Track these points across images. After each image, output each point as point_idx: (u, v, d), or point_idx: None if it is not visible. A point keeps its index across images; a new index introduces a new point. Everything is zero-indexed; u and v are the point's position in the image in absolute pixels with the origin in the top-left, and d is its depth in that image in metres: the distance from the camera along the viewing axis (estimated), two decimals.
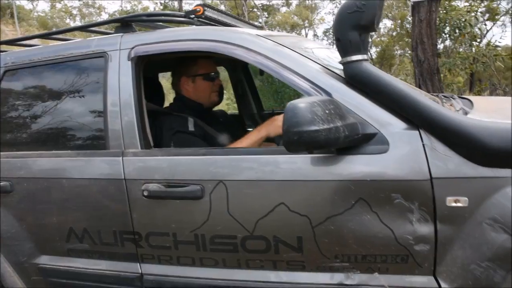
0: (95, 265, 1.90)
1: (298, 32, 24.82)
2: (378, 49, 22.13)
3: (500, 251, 1.35)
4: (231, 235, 1.63)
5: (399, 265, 1.48)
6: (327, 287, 1.56)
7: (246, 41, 1.71)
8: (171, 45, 1.81)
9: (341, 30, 1.52)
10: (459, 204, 1.38)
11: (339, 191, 1.48)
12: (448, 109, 1.74)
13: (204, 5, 2.09)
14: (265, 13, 23.10)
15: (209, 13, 2.12)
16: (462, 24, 9.24)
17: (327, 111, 1.37)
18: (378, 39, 22.91)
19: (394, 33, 19.98)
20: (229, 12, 2.58)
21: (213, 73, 2.19)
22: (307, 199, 1.53)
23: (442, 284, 1.44)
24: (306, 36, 25.09)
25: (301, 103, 1.35)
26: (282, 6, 25.27)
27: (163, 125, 1.99)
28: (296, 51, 1.70)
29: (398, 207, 1.42)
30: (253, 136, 1.87)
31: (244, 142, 1.86)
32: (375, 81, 1.49)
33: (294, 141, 1.34)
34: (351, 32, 1.50)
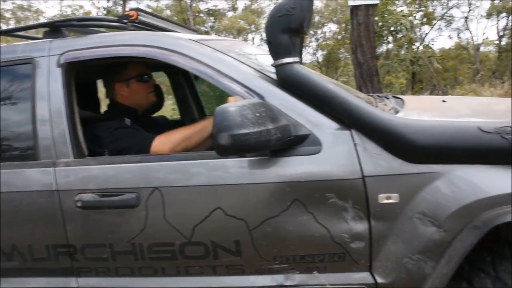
0: (26, 283, 1.82)
1: (244, 36, 25.01)
2: (324, 53, 22.74)
3: (429, 243, 1.43)
4: (169, 242, 1.62)
5: (337, 263, 1.52)
6: None
7: (182, 46, 1.71)
8: (103, 51, 1.78)
9: (272, 34, 1.56)
10: (391, 201, 1.44)
11: (274, 193, 1.50)
12: (381, 108, 1.83)
13: (137, 10, 2.06)
14: (211, 18, 23.09)
15: (143, 17, 2.08)
16: (399, 27, 9.71)
17: (257, 114, 1.40)
18: (324, 42, 23.55)
19: (339, 37, 20.60)
20: (165, 17, 2.55)
21: (146, 75, 2.16)
22: (243, 202, 1.54)
23: (378, 279, 1.50)
24: (253, 40, 25.33)
25: (230, 107, 1.37)
26: (229, 10, 25.37)
27: (99, 131, 1.94)
28: (230, 55, 1.71)
29: (333, 207, 1.47)
30: (201, 124, 1.88)
31: (191, 128, 1.88)
32: (306, 82, 1.53)
33: (224, 145, 1.35)
34: (281, 35, 1.54)
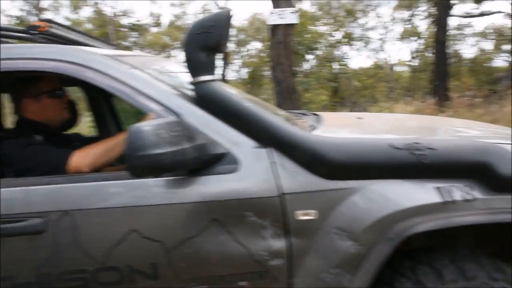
0: None
1: (168, 52, 24.73)
2: (249, 70, 23.17)
3: (346, 257, 1.47)
4: (80, 269, 1.52)
5: (257, 281, 1.51)
6: None
7: (96, 62, 1.62)
8: (7, 64, 1.64)
9: (190, 51, 1.56)
10: (309, 217, 1.47)
11: (192, 213, 1.48)
12: (299, 125, 1.87)
13: (49, 21, 1.95)
14: (135, 33, 22.61)
15: (55, 30, 1.98)
16: (316, 46, 10.19)
17: (173, 133, 1.37)
18: (249, 60, 24.00)
19: (263, 54, 21.11)
20: (81, 30, 2.45)
21: (58, 90, 2.03)
22: (160, 224, 1.50)
23: None
24: (177, 56, 25.12)
25: (145, 126, 1.33)
26: (153, 26, 25.00)
27: (5, 149, 1.78)
28: (147, 72, 1.67)
29: (252, 225, 1.47)
30: (122, 135, 1.77)
31: (112, 140, 1.79)
32: (224, 101, 1.54)
33: (138, 165, 1.32)
34: (199, 52, 1.54)
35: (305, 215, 1.47)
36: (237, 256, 1.48)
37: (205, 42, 1.53)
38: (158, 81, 1.64)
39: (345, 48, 19.97)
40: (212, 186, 1.48)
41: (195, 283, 1.53)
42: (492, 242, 1.79)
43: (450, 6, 13.61)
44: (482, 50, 21.91)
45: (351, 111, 11.52)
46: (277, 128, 1.51)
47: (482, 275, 1.49)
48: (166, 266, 1.49)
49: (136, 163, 1.32)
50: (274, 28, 7.12)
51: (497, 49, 21.46)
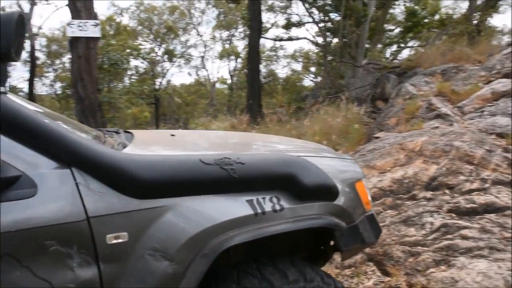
0: None
1: None
2: (63, 84, 21.43)
3: (163, 278, 1.41)
4: None
5: None
6: None
7: None
8: None
9: None
10: (119, 240, 1.38)
11: None
12: (108, 143, 1.77)
13: None
14: None
15: None
16: (119, 60, 10.02)
17: None
18: (64, 74, 22.22)
19: None
20: None
21: None
22: None
23: None
24: None
25: None
26: None
27: None
28: None
29: (55, 255, 1.31)
30: None
31: None
32: (16, 116, 1.36)
33: None
34: None
35: (116, 238, 1.37)
36: None
37: None
38: None
39: (166, 65, 20.12)
40: (3, 215, 1.26)
41: None
42: (304, 247, 1.98)
43: (261, 29, 14.93)
44: (294, 71, 24.65)
45: (173, 127, 11.60)
46: (79, 146, 1.40)
47: (302, 279, 1.60)
48: None
49: None
50: (74, 41, 6.66)
51: (306, 70, 24.42)
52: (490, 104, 6.25)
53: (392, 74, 10.76)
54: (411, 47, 17.92)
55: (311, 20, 16.76)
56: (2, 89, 1.39)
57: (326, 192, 1.77)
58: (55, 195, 1.35)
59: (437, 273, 3.12)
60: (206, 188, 1.53)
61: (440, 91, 7.32)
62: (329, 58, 15.61)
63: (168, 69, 20.98)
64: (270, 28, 19.22)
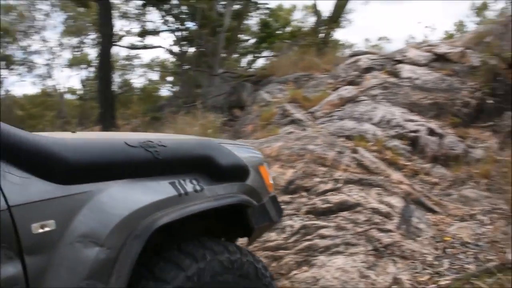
0: None
1: None
2: None
3: (95, 265, 1.34)
4: None
5: None
6: None
7: None
8: None
9: None
10: (46, 229, 1.26)
11: None
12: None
13: None
14: None
15: None
16: None
17: None
18: None
19: None
20: None
21: None
22: None
23: None
24: None
25: None
26: None
27: None
28: None
29: None
30: None
31: None
32: None
33: None
34: None
35: (42, 227, 1.25)
36: None
37: None
38: None
39: (3, 72, 18.04)
40: None
41: None
42: (218, 226, 2.06)
43: (113, 35, 14.27)
44: (150, 80, 24.04)
45: None
46: None
47: (210, 253, 1.64)
48: None
49: None
50: None
51: (163, 79, 24.02)
52: (338, 109, 6.81)
53: (247, 82, 11.16)
54: (265, 57, 18.84)
55: (167, 28, 16.58)
56: None
57: (239, 172, 1.93)
58: None
59: (299, 274, 3.21)
60: (132, 171, 1.54)
61: (293, 98, 7.77)
62: (186, 67, 15.58)
63: (4, 77, 18.84)
64: (124, 35, 18.44)
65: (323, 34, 14.48)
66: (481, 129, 6.07)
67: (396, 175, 4.78)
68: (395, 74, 7.50)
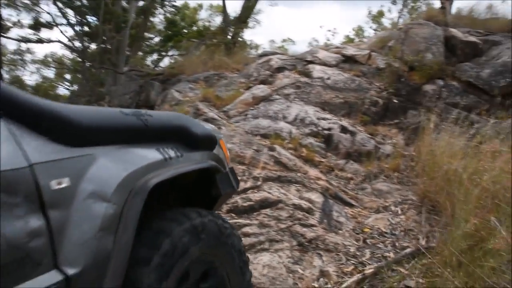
0: None
1: None
2: None
3: (105, 219, 1.52)
4: None
5: (23, 271, 1.32)
6: None
7: None
8: None
9: None
10: (63, 185, 1.44)
11: None
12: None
13: None
14: None
15: None
16: None
17: None
18: None
19: None
20: None
21: None
22: None
23: (68, 272, 1.41)
24: None
25: None
26: None
27: None
28: None
29: (4, 205, 1.29)
30: None
31: None
32: None
33: None
34: None
35: (59, 184, 1.43)
36: None
37: None
38: None
39: None
40: None
41: None
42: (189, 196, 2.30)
43: (1, 26, 13.10)
44: (46, 78, 22.36)
45: None
46: (14, 96, 1.44)
47: (193, 218, 1.91)
48: None
49: None
50: None
51: (60, 77, 22.48)
52: (252, 108, 6.87)
53: (155, 81, 10.87)
54: (172, 55, 18.52)
55: (65, 21, 15.54)
56: None
57: (209, 142, 2.22)
58: None
59: None
60: (127, 136, 1.78)
61: (205, 97, 7.71)
62: (88, 64, 14.75)
63: None
64: (12, 27, 16.91)
65: (231, 34, 14.59)
66: (388, 126, 6.51)
67: (313, 172, 4.93)
68: (307, 74, 7.77)
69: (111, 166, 1.62)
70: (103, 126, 1.68)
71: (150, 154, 1.82)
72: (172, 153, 1.93)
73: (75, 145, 1.54)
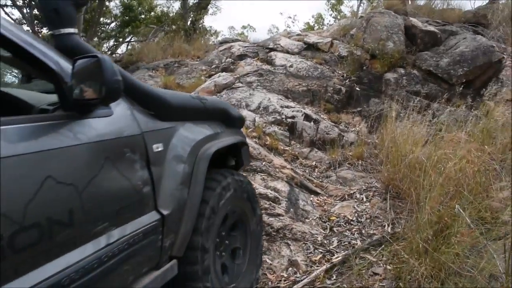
0: None
1: None
2: None
3: (183, 175, 2.06)
4: None
5: (137, 209, 1.77)
6: (94, 256, 1.49)
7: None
8: None
9: (60, 3, 1.73)
10: (159, 149, 1.95)
11: (93, 153, 1.56)
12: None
13: None
14: None
15: None
16: None
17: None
18: None
19: None
20: None
21: None
22: (69, 166, 1.46)
23: (164, 212, 1.90)
24: None
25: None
26: None
27: None
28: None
29: (129, 160, 1.74)
30: None
31: None
32: (88, 51, 1.73)
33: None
34: (68, 5, 1.76)
35: (157, 148, 1.93)
36: (125, 188, 1.71)
37: None
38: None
39: None
40: (100, 127, 1.64)
41: (99, 222, 1.53)
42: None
43: None
44: None
45: None
46: (135, 84, 1.97)
47: (228, 179, 2.44)
48: (79, 209, 1.45)
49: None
50: None
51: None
52: (214, 96, 6.78)
53: None
54: (129, 41, 18.00)
55: (10, 2, 14.79)
56: (76, 30, 1.80)
57: (240, 122, 2.89)
58: (121, 116, 1.79)
59: None
60: (194, 114, 2.35)
61: (166, 85, 7.55)
62: None
63: None
64: None
65: (191, 20, 14.34)
66: (351, 114, 6.57)
67: (277, 160, 4.91)
68: (269, 61, 7.74)
69: (185, 137, 2.16)
70: (182, 106, 2.23)
71: (207, 129, 2.39)
72: (218, 129, 2.53)
73: (165, 120, 2.07)
